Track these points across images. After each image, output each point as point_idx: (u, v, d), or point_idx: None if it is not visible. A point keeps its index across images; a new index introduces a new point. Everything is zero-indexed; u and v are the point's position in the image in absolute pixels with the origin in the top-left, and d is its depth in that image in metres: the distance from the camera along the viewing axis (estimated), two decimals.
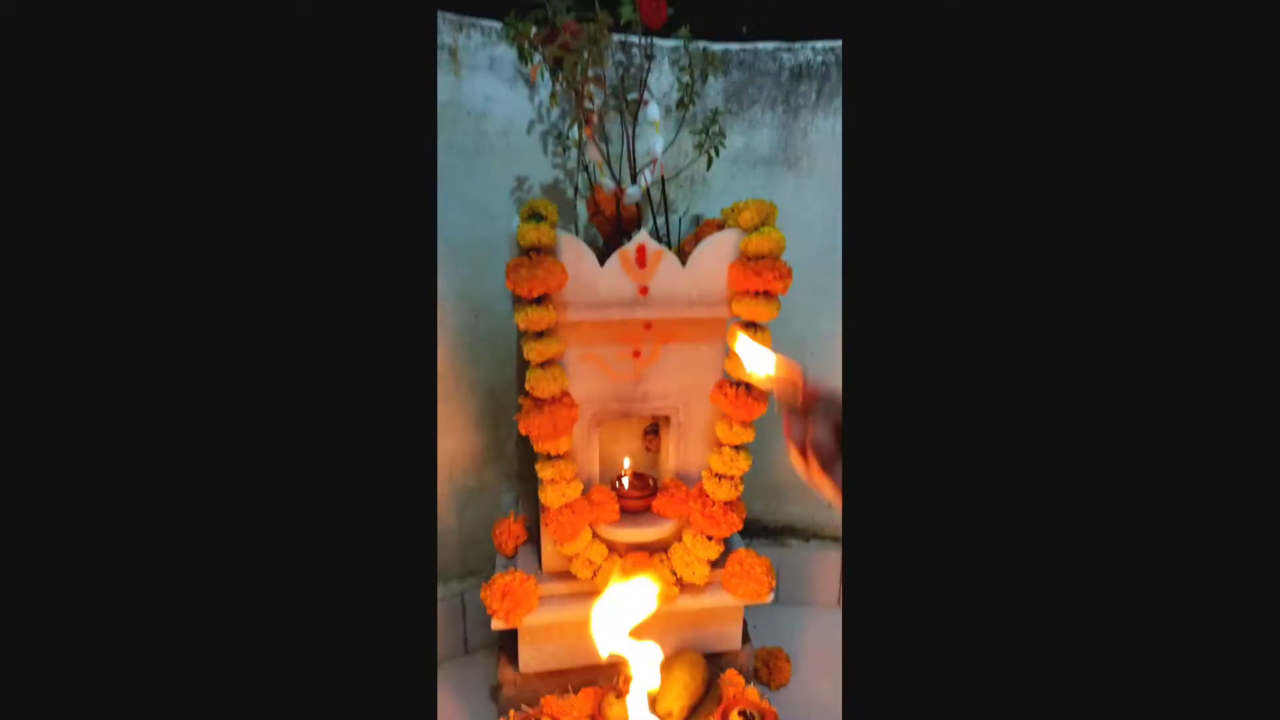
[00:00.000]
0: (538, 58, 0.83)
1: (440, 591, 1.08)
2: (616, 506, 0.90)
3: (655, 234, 0.93)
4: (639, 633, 0.43)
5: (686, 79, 0.94)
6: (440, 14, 0.92)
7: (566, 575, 0.90)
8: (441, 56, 0.93)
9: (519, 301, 0.80)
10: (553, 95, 0.86)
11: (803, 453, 0.40)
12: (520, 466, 1.12)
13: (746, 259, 0.83)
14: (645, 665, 0.40)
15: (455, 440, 1.06)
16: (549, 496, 0.85)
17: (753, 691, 0.91)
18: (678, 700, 0.88)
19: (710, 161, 0.93)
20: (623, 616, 0.40)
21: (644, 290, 0.83)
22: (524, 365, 0.84)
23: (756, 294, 0.83)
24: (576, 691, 0.89)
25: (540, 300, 0.79)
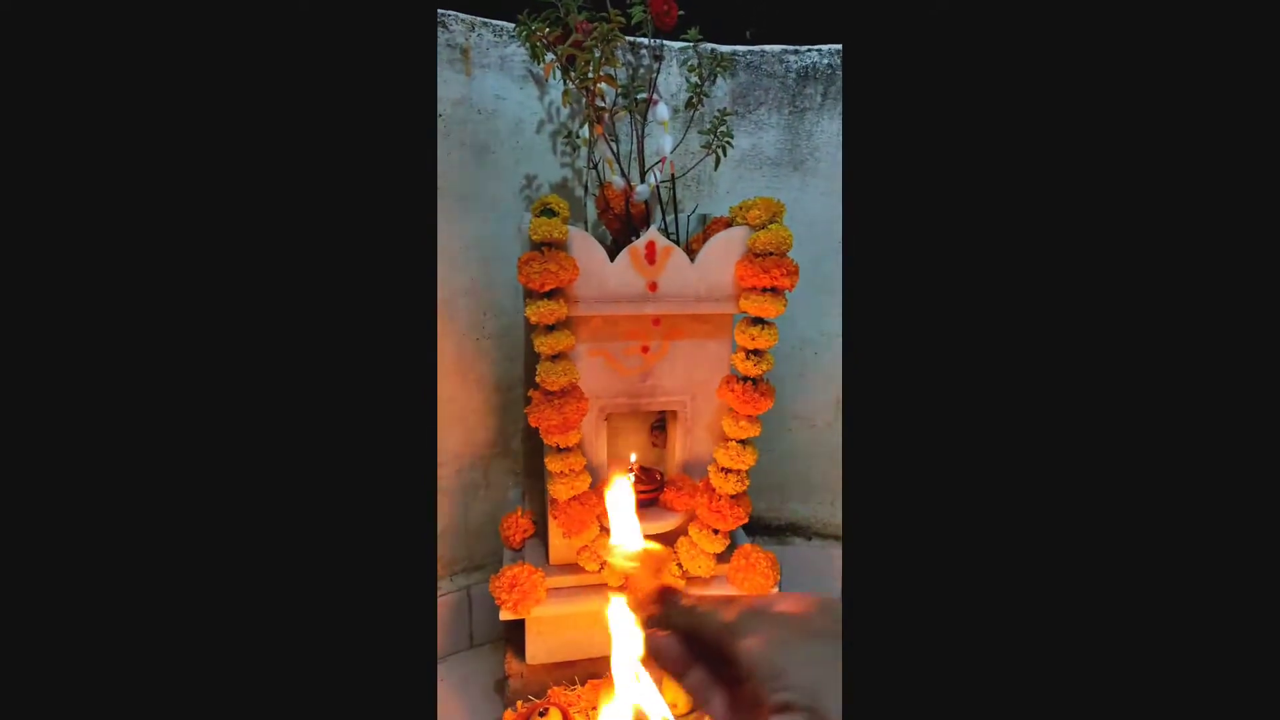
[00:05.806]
0: (550, 57, 0.84)
1: (446, 586, 1.09)
2: None
3: (664, 231, 0.94)
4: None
5: (695, 80, 0.95)
6: (453, 14, 0.93)
7: (574, 568, 0.91)
8: (453, 55, 0.94)
9: (530, 295, 0.81)
10: (565, 93, 0.87)
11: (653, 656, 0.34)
12: (526, 462, 1.13)
13: (754, 255, 0.84)
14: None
15: (462, 436, 1.07)
16: (558, 489, 0.86)
17: None
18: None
19: (718, 161, 0.94)
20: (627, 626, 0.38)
21: (653, 286, 0.84)
22: (533, 360, 0.85)
23: (764, 290, 0.84)
24: (583, 683, 0.90)
25: (552, 294, 0.80)
